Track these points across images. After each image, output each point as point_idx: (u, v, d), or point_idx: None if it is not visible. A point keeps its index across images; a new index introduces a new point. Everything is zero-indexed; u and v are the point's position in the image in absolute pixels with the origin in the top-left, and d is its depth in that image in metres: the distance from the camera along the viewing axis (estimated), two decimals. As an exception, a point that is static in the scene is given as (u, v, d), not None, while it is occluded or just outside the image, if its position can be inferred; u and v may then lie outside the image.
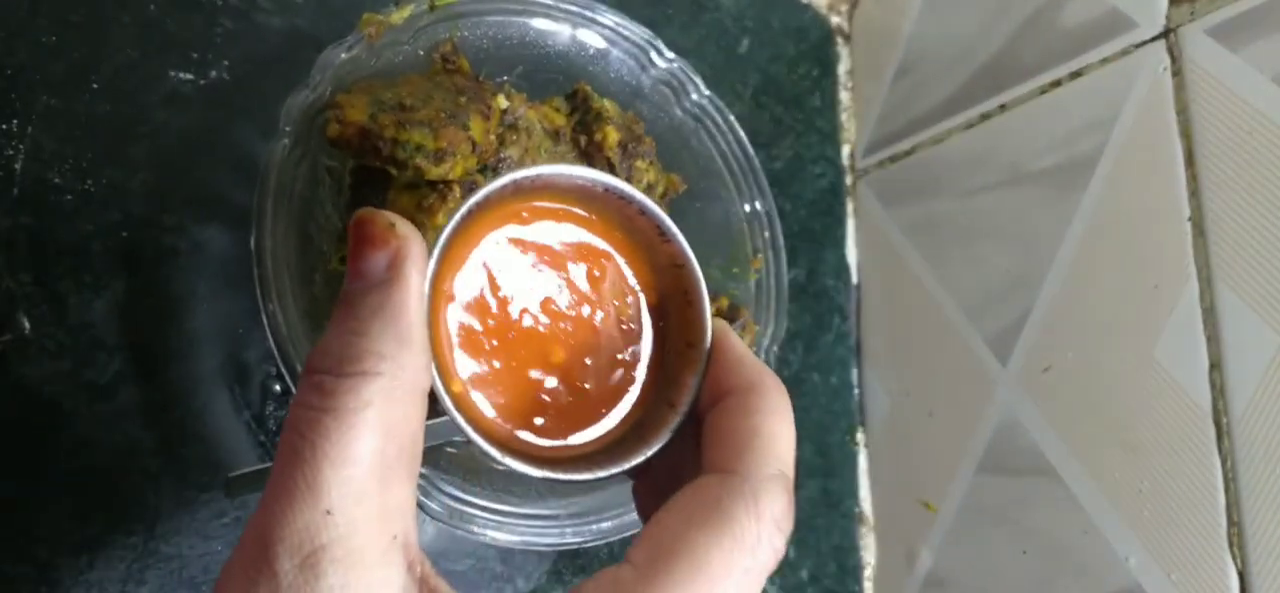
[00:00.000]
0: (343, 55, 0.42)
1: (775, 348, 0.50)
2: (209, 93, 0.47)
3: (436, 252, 0.24)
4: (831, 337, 0.67)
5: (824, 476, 0.63)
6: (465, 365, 0.26)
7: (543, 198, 0.28)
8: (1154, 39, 0.49)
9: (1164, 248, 0.46)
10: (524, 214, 0.28)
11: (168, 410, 0.43)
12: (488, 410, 0.26)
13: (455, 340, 0.26)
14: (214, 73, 0.47)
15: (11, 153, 0.42)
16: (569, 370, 0.27)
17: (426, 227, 0.41)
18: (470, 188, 0.43)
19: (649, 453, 0.26)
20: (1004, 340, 0.55)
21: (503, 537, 0.40)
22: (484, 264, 0.27)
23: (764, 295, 0.51)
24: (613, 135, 0.48)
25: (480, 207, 0.25)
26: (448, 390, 0.24)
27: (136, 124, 0.45)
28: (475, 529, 0.40)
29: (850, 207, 0.72)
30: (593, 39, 0.50)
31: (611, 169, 0.48)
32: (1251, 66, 0.43)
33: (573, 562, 0.52)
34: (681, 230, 0.53)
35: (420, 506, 0.39)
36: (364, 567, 0.19)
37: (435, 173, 0.40)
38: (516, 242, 0.28)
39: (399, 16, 0.44)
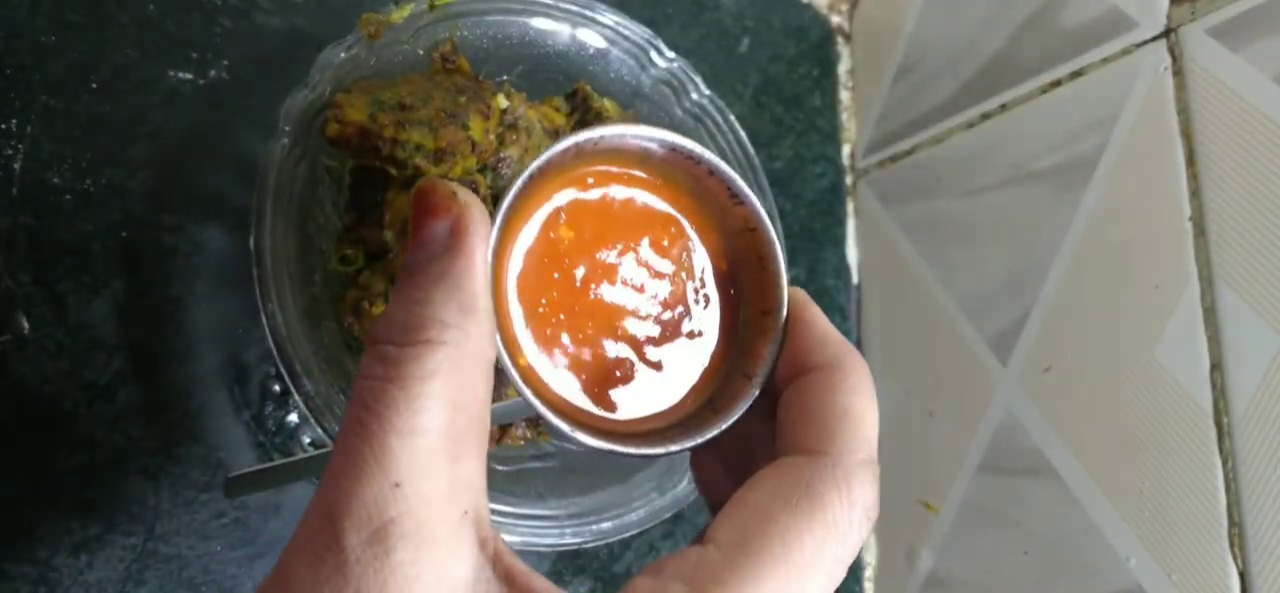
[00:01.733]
0: (342, 55, 0.42)
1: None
2: (208, 93, 0.47)
3: (498, 220, 0.23)
4: (832, 337, 0.67)
5: (824, 476, 0.63)
6: (531, 338, 0.25)
7: (606, 161, 0.26)
8: (1155, 39, 0.49)
9: (1165, 248, 0.46)
10: (588, 180, 0.26)
11: (167, 411, 0.43)
12: (555, 384, 0.25)
13: (520, 312, 0.25)
14: (213, 72, 0.47)
15: (11, 152, 0.42)
16: (637, 341, 0.26)
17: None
18: (471, 187, 0.43)
19: (724, 427, 0.24)
20: (1004, 340, 0.55)
21: (502, 537, 0.40)
22: (547, 232, 0.25)
23: (764, 295, 0.51)
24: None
25: (542, 171, 0.24)
26: (514, 364, 0.23)
27: (136, 124, 0.45)
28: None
29: (850, 206, 0.72)
30: (592, 38, 0.50)
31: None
32: (1252, 66, 0.43)
33: (572, 562, 0.52)
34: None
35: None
36: (435, 542, 0.18)
37: (435, 173, 0.40)
38: (580, 208, 0.26)
39: (398, 16, 0.44)
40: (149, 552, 0.41)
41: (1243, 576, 0.41)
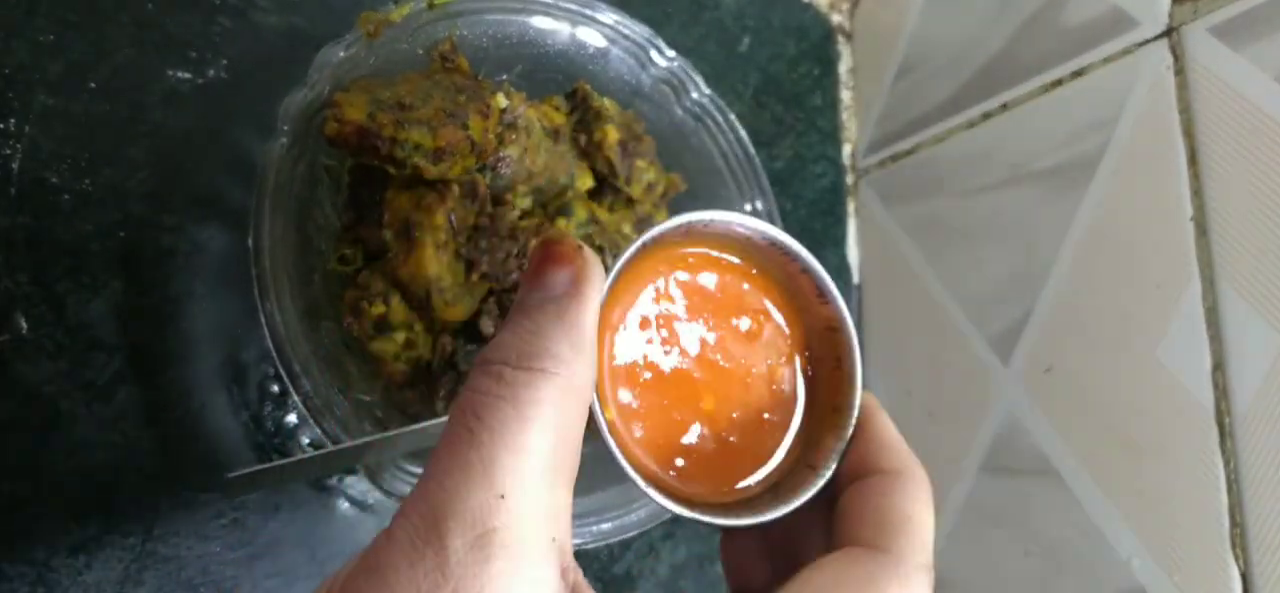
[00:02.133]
0: (341, 54, 0.42)
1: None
2: (207, 92, 0.47)
3: (609, 281, 0.24)
4: (832, 336, 0.67)
5: (825, 476, 0.63)
6: (620, 396, 0.26)
7: (710, 245, 0.28)
8: (1156, 38, 0.49)
9: (1166, 248, 0.46)
10: (691, 259, 0.28)
11: (166, 411, 0.43)
12: (634, 443, 0.26)
13: (612, 370, 0.26)
14: (212, 72, 0.47)
15: (9, 152, 0.42)
16: (716, 420, 0.27)
17: (425, 227, 0.41)
18: (470, 187, 0.42)
19: (787, 509, 0.26)
20: (1005, 340, 0.55)
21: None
22: (648, 302, 0.27)
23: (764, 295, 0.51)
24: (612, 134, 0.47)
25: (652, 244, 0.26)
26: (603, 415, 0.25)
27: (134, 123, 0.45)
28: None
29: (851, 206, 0.71)
30: (592, 37, 0.50)
31: (611, 168, 0.48)
32: (1254, 65, 0.43)
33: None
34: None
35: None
36: (528, 561, 0.19)
37: (434, 172, 0.40)
38: (681, 285, 0.28)
39: (398, 15, 0.44)
40: (147, 552, 0.41)
41: (1244, 576, 0.41)
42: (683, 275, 0.28)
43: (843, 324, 0.28)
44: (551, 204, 0.47)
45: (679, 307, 0.28)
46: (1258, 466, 0.41)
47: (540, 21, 0.48)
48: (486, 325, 0.45)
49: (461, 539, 0.18)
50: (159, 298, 0.44)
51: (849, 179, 0.72)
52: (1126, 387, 0.47)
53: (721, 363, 0.28)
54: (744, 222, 0.27)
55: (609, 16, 0.49)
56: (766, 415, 0.28)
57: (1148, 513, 0.45)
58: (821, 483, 0.26)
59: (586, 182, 0.49)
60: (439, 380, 0.42)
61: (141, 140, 0.45)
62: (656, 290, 0.27)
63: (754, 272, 0.29)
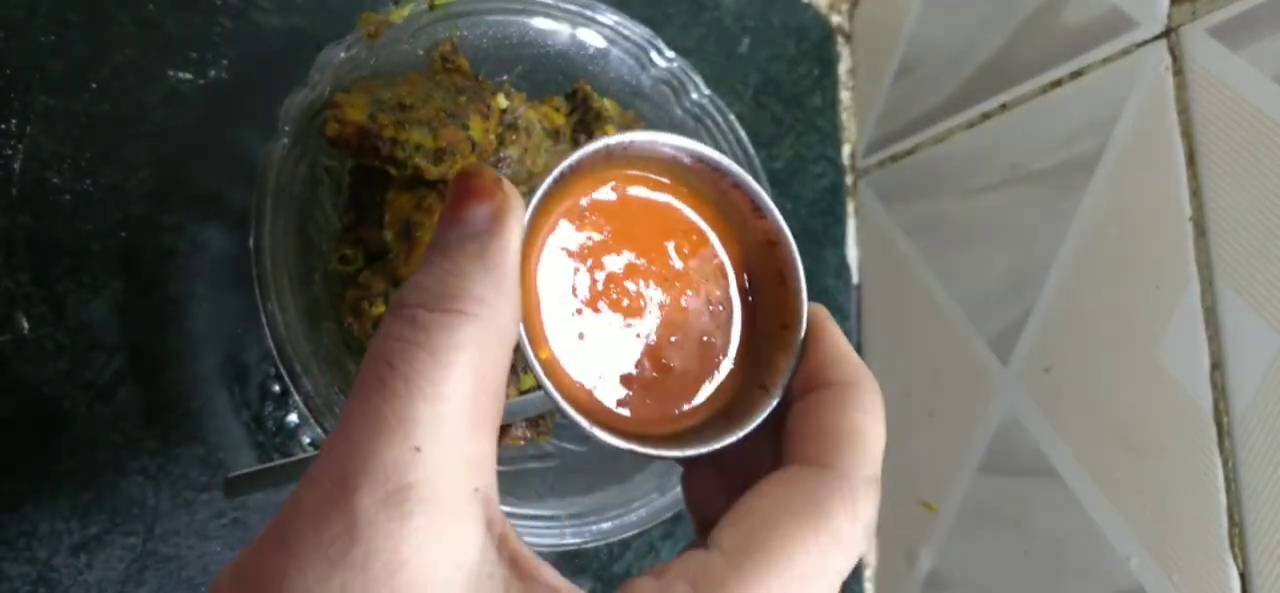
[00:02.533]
0: (342, 54, 0.42)
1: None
2: (208, 92, 0.47)
3: (529, 212, 0.23)
4: (832, 336, 0.67)
5: (824, 476, 0.63)
6: (552, 333, 0.25)
7: (634, 167, 0.27)
8: (1155, 38, 0.49)
9: (1165, 248, 0.46)
10: (614, 183, 0.27)
11: (167, 411, 0.43)
12: (572, 380, 0.25)
13: (542, 307, 0.25)
14: (213, 72, 0.47)
15: (10, 152, 0.42)
16: (655, 347, 0.26)
17: (426, 227, 0.41)
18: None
19: (741, 434, 0.24)
20: (1005, 340, 0.55)
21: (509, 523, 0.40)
22: (572, 232, 0.26)
23: (764, 295, 0.51)
24: (612, 135, 0.47)
25: (572, 171, 0.25)
26: (537, 356, 0.23)
27: (135, 124, 0.45)
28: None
29: (851, 206, 0.71)
30: (592, 38, 0.50)
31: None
32: (1253, 66, 0.43)
33: (572, 562, 0.52)
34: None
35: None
36: (448, 514, 0.18)
37: (434, 173, 0.40)
38: (605, 210, 0.27)
39: (398, 16, 0.44)
40: (148, 552, 0.41)
41: (1243, 576, 0.41)
42: (607, 197, 0.27)
43: (782, 237, 0.26)
44: (552, 204, 0.47)
45: (606, 233, 0.26)
46: (1256, 465, 0.41)
47: (540, 22, 0.48)
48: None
49: (371, 497, 0.17)
50: (160, 298, 0.44)
51: (848, 179, 0.72)
52: (1125, 387, 0.47)
53: (656, 287, 0.27)
54: (669, 139, 0.26)
55: (609, 17, 0.49)
56: (706, 337, 0.27)
57: (1147, 513, 0.45)
58: (774, 404, 0.25)
59: (587, 182, 0.49)
60: (440, 380, 0.42)
61: (142, 140, 0.45)
62: (580, 219, 0.26)
63: (684, 190, 0.28)
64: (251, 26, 0.49)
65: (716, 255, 0.28)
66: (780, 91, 0.70)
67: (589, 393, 0.25)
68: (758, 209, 0.27)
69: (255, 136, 0.47)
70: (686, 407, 0.27)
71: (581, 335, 0.26)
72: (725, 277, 0.28)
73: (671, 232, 0.27)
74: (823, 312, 0.26)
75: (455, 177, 0.22)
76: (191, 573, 0.42)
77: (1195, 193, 0.45)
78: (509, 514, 0.40)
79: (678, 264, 0.27)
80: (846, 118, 0.74)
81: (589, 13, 0.49)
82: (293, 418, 0.46)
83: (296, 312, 0.39)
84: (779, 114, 0.69)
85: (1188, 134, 0.46)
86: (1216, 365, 0.43)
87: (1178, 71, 0.47)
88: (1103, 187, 0.50)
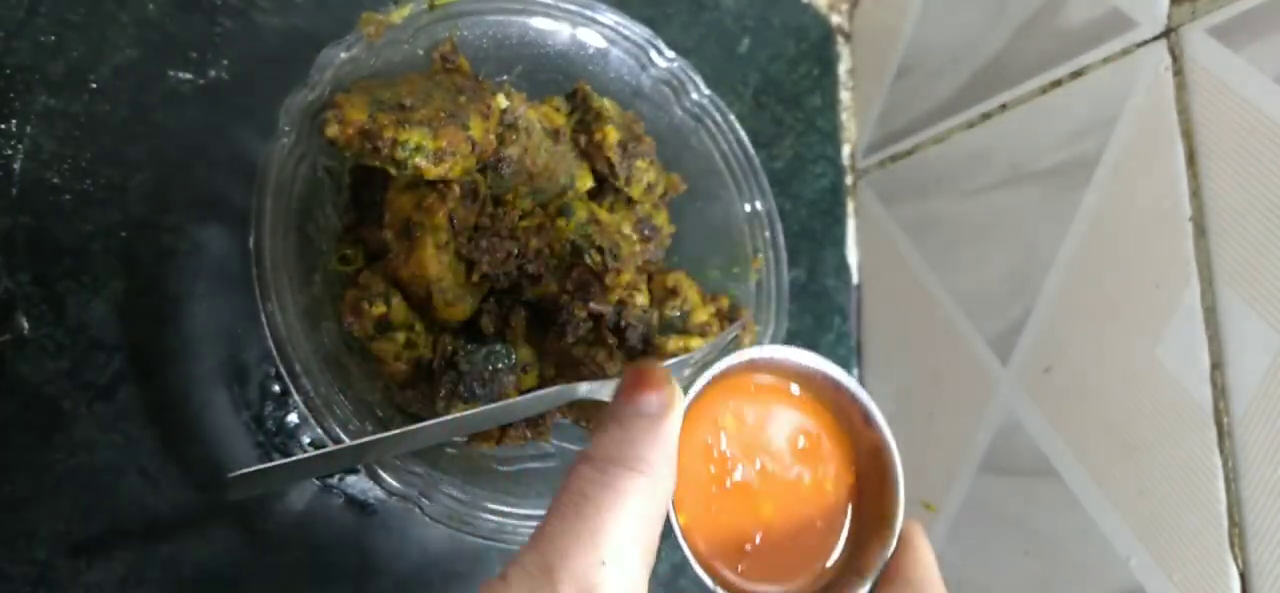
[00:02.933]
0: (342, 55, 0.42)
1: (775, 348, 0.50)
2: (208, 92, 0.47)
3: (686, 403, 0.29)
4: (832, 337, 0.67)
5: (824, 476, 0.63)
6: (690, 502, 0.30)
7: (770, 373, 0.32)
8: (1155, 38, 0.49)
9: (1165, 248, 0.46)
10: (752, 387, 0.32)
11: (166, 411, 0.43)
12: (702, 542, 0.30)
13: (685, 481, 0.30)
14: (213, 72, 0.47)
15: (10, 152, 0.42)
16: (774, 526, 0.31)
17: (426, 226, 0.41)
18: (471, 187, 0.43)
19: None
20: (1005, 340, 0.55)
21: (502, 539, 0.40)
22: (716, 422, 0.31)
23: (764, 295, 0.51)
24: (612, 135, 0.47)
25: (719, 377, 0.30)
26: (677, 519, 0.29)
27: (135, 124, 0.45)
28: (475, 531, 0.40)
29: (851, 206, 0.72)
30: (592, 38, 0.50)
31: (611, 168, 0.48)
32: (1253, 66, 0.43)
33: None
34: (681, 230, 0.53)
35: (419, 506, 0.39)
36: None
37: (434, 173, 0.40)
38: (745, 408, 0.32)
39: (398, 16, 0.44)
40: (148, 552, 0.41)
41: (1243, 576, 0.41)
42: (746, 401, 0.32)
43: (887, 447, 0.32)
44: (552, 204, 0.47)
45: (744, 427, 0.32)
46: (1256, 465, 0.41)
47: (540, 22, 0.48)
48: (487, 325, 0.45)
49: (570, 590, 0.23)
50: (160, 298, 0.44)
51: (848, 179, 0.72)
52: (1125, 387, 0.47)
53: (780, 476, 0.32)
54: (802, 356, 0.31)
55: (609, 17, 0.49)
56: (818, 524, 0.32)
57: (1147, 512, 0.45)
58: (866, 587, 0.30)
59: (586, 182, 0.49)
60: (440, 380, 0.42)
61: (143, 141, 0.45)
62: (723, 414, 0.32)
63: (809, 398, 0.33)
64: (251, 27, 0.49)
65: (833, 454, 0.33)
66: (780, 91, 0.70)
67: (713, 557, 0.30)
68: (868, 421, 0.32)
69: (255, 137, 0.47)
70: (796, 583, 0.32)
71: (714, 508, 0.31)
72: (839, 475, 0.33)
73: (797, 430, 0.33)
74: (917, 524, 0.31)
75: (632, 370, 0.28)
76: (192, 573, 0.42)
77: (1195, 193, 0.45)
78: (510, 514, 0.41)
79: (799, 458, 0.32)
80: (846, 118, 0.74)
81: (589, 13, 0.49)
82: (292, 418, 0.46)
83: (296, 312, 0.39)
84: (779, 114, 0.69)
85: (1188, 134, 0.46)
86: (1216, 365, 0.43)
87: (1178, 71, 0.47)
88: (1103, 187, 0.50)
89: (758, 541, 0.31)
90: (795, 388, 0.33)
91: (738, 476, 0.31)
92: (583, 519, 0.24)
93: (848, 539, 0.32)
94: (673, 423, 0.27)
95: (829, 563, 0.32)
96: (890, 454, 0.32)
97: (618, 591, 0.23)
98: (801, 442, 0.32)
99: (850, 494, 0.33)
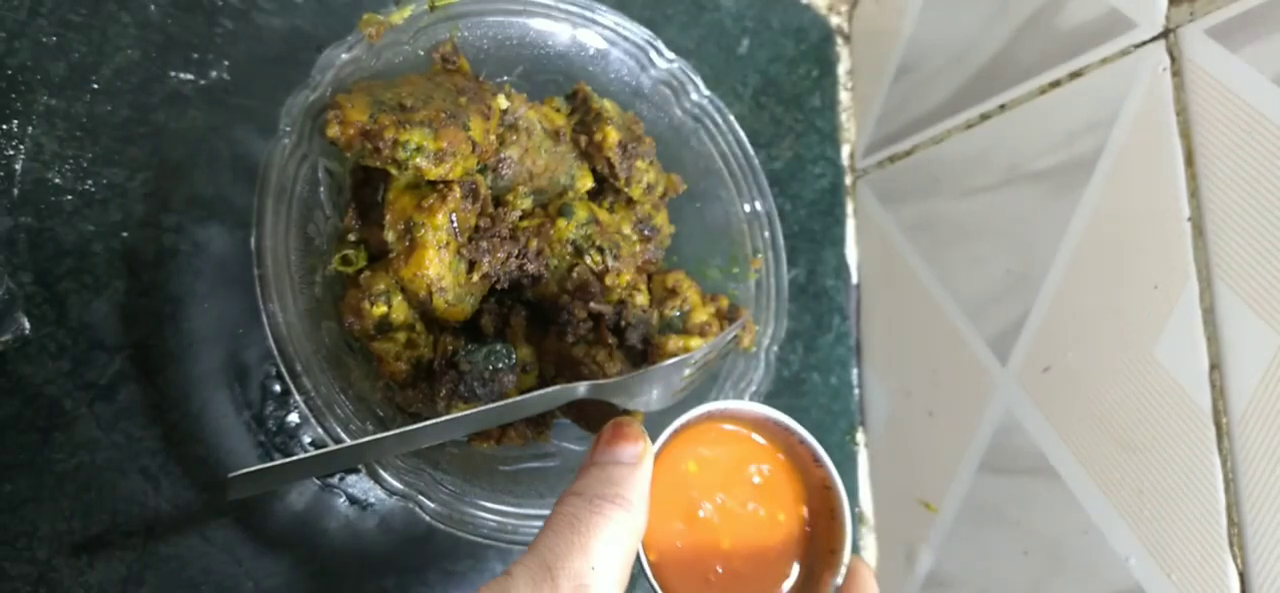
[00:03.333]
0: (343, 55, 0.42)
1: (775, 348, 0.50)
2: (209, 93, 0.47)
3: (655, 451, 0.33)
4: (831, 336, 0.67)
5: (824, 476, 0.63)
6: (659, 538, 0.34)
7: (727, 422, 0.36)
8: (1153, 39, 0.49)
9: (1164, 248, 0.46)
10: (713, 434, 0.36)
11: (168, 411, 0.43)
12: (669, 577, 0.34)
13: (653, 520, 0.33)
14: (214, 73, 0.47)
15: (12, 153, 0.42)
16: (733, 557, 0.35)
17: (427, 227, 0.41)
18: (471, 188, 0.43)
19: None
20: (1004, 340, 0.55)
21: (502, 539, 0.40)
22: (681, 467, 0.35)
23: (764, 295, 0.51)
24: (612, 135, 0.48)
25: (683, 428, 0.34)
26: (646, 557, 0.33)
27: (137, 124, 0.45)
28: (475, 530, 0.40)
29: (850, 207, 0.72)
30: (593, 39, 0.50)
31: (611, 169, 0.48)
32: (1251, 67, 0.44)
33: None
34: (681, 230, 0.53)
35: (419, 506, 0.39)
36: None
37: (435, 173, 0.40)
38: (706, 453, 0.36)
39: (399, 17, 0.44)
40: (149, 551, 0.41)
41: (1242, 575, 0.41)
42: (707, 446, 0.36)
43: (834, 484, 0.35)
44: (552, 205, 0.47)
45: (706, 469, 0.36)
46: (1255, 465, 0.41)
47: (541, 23, 0.48)
48: (487, 325, 0.45)
49: (568, 585, 0.27)
50: (161, 298, 0.44)
51: (848, 180, 0.72)
52: (1124, 386, 0.47)
53: (738, 511, 0.35)
54: (752, 408, 0.35)
55: (609, 18, 0.50)
56: (774, 555, 0.35)
57: (1145, 512, 0.45)
58: None
59: (587, 182, 0.49)
60: (440, 379, 0.42)
61: (144, 141, 0.45)
62: (688, 458, 0.36)
63: (763, 442, 0.37)
64: (253, 28, 0.49)
65: (786, 491, 0.36)
66: (780, 92, 0.70)
67: (680, 588, 0.34)
68: (817, 461, 0.36)
69: (256, 137, 0.47)
70: None
71: (679, 544, 0.34)
72: (792, 510, 0.36)
73: (751, 472, 0.37)
74: (861, 559, 0.35)
75: (611, 424, 0.33)
76: (192, 573, 0.42)
77: (1193, 193, 0.45)
78: (510, 513, 0.41)
79: (755, 496, 0.36)
80: (846, 118, 0.74)
81: (589, 14, 0.49)
82: (293, 418, 0.46)
83: (297, 312, 0.39)
84: (779, 115, 0.69)
85: (1186, 134, 0.46)
86: (1215, 365, 0.43)
87: (1176, 72, 0.47)
88: (1101, 187, 0.50)
89: (719, 571, 0.35)
90: (751, 433, 0.37)
91: (701, 513, 0.35)
92: (576, 534, 0.29)
93: (801, 569, 0.36)
94: (646, 468, 0.32)
95: (785, 590, 0.35)
96: (837, 491, 0.35)
97: (604, 589, 0.28)
98: (757, 480, 0.37)
99: (803, 527, 0.36)
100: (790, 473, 0.37)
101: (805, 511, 0.37)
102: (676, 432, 0.34)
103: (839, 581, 0.34)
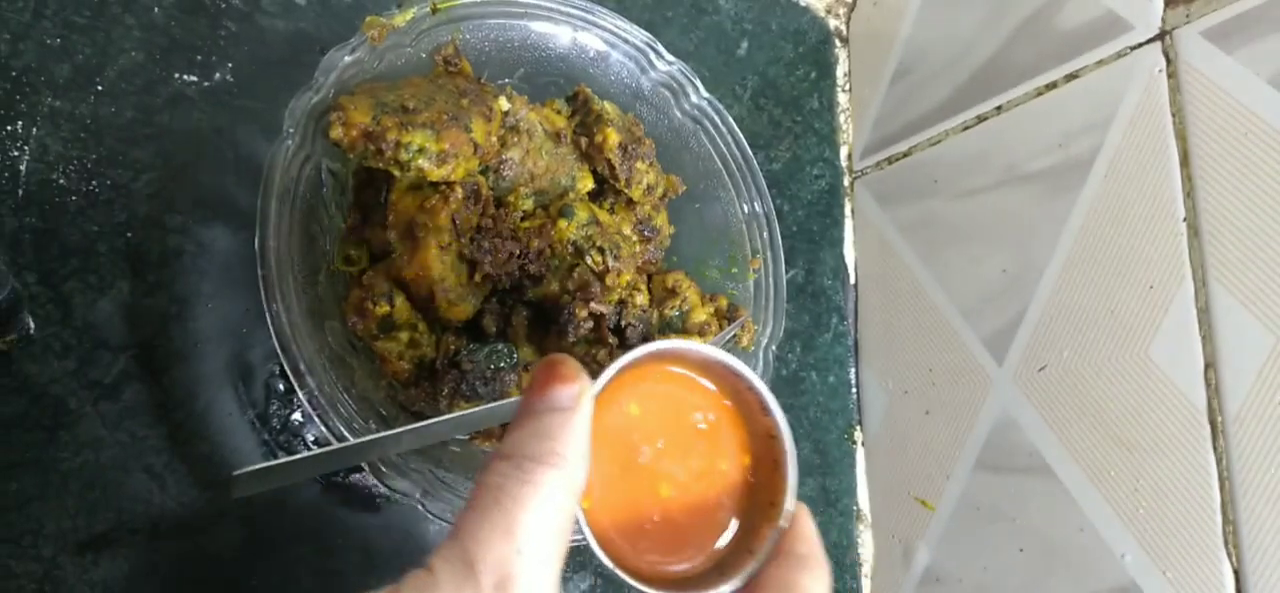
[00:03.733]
0: (346, 58, 0.42)
1: (773, 348, 0.50)
2: (213, 95, 0.47)
3: (595, 391, 0.30)
4: (829, 336, 0.67)
5: (822, 474, 0.63)
6: (595, 482, 0.32)
7: (673, 363, 0.34)
8: (1149, 41, 0.49)
9: (1159, 248, 0.47)
10: (658, 375, 0.34)
11: (172, 410, 0.43)
12: (604, 525, 0.32)
13: (590, 465, 0.32)
14: (218, 75, 0.48)
15: (17, 154, 0.42)
16: (671, 505, 0.33)
17: (429, 227, 0.41)
18: (473, 189, 0.43)
19: (728, 587, 0.31)
20: (1000, 340, 0.56)
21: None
22: (622, 408, 0.33)
23: (762, 295, 0.51)
24: (613, 137, 0.48)
25: (626, 367, 0.32)
26: (581, 504, 0.30)
27: (141, 126, 0.45)
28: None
29: (848, 207, 0.72)
30: (593, 42, 0.50)
31: (612, 170, 0.48)
32: (1246, 68, 0.44)
33: (572, 559, 0.53)
34: (680, 231, 0.53)
35: (422, 504, 0.39)
36: None
37: (437, 175, 0.41)
38: (649, 396, 0.34)
39: (402, 19, 0.44)
40: (154, 550, 0.42)
41: (1237, 573, 0.41)
42: (651, 387, 0.34)
43: (780, 433, 0.33)
44: (553, 206, 0.48)
45: (647, 412, 0.34)
46: (1250, 463, 0.41)
47: (542, 26, 0.49)
48: (489, 324, 0.45)
49: (489, 579, 0.24)
50: (165, 298, 0.44)
51: (846, 181, 0.73)
52: (1120, 386, 0.47)
53: (679, 458, 0.34)
54: (700, 348, 0.33)
55: (609, 21, 0.50)
56: (713, 505, 0.34)
57: (1141, 510, 0.45)
58: (757, 565, 0.32)
59: (587, 183, 0.49)
60: (443, 378, 0.42)
61: (148, 142, 0.45)
62: (627, 401, 0.33)
63: (709, 386, 0.35)
64: (256, 30, 0.49)
65: (730, 439, 0.35)
66: (778, 94, 0.70)
67: (615, 537, 0.32)
68: (764, 408, 0.33)
69: (260, 139, 0.48)
70: (691, 559, 0.33)
71: (616, 490, 0.32)
72: (735, 458, 0.35)
73: (695, 418, 0.35)
74: (803, 506, 0.33)
75: (544, 363, 0.29)
76: (197, 571, 0.42)
77: (1189, 194, 0.46)
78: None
79: (697, 442, 0.34)
80: (844, 120, 0.74)
81: (590, 17, 0.49)
82: (297, 416, 0.46)
83: (301, 311, 0.39)
84: (777, 116, 0.70)
85: (1182, 136, 0.47)
86: (1210, 365, 0.43)
87: (1172, 74, 0.48)
88: (1097, 188, 0.51)
89: (656, 519, 0.33)
90: (696, 376, 0.35)
91: (640, 458, 0.33)
92: (500, 511, 0.25)
93: (741, 520, 0.34)
94: (583, 416, 0.28)
95: (722, 542, 0.33)
96: (782, 440, 0.33)
97: (533, 578, 0.25)
98: (701, 426, 0.34)
99: (745, 477, 0.34)
100: (736, 421, 0.35)
101: (749, 460, 0.35)
102: (619, 371, 0.32)
103: (777, 532, 0.32)
